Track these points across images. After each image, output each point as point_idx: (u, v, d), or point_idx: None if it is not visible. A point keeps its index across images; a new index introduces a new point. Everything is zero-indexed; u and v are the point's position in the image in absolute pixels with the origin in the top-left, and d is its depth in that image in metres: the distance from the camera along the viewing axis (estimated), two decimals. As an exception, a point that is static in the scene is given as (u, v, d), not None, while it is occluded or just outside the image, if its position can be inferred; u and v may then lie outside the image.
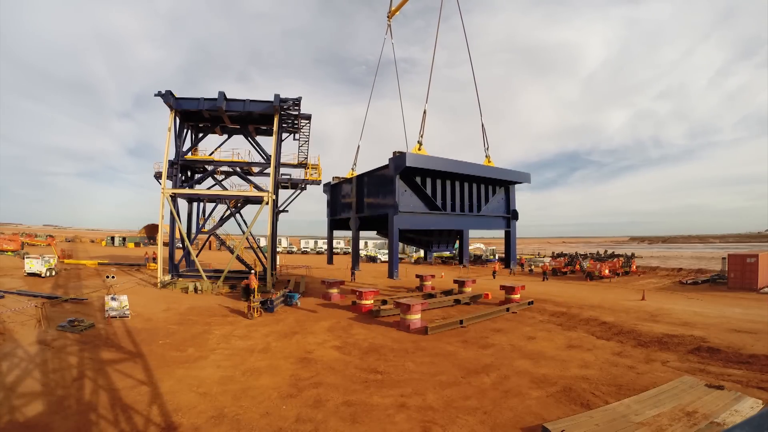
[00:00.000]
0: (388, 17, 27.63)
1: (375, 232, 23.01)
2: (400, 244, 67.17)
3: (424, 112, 17.42)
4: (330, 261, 23.87)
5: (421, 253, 63.69)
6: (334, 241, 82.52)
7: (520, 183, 19.43)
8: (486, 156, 18.41)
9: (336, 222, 22.28)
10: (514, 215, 19.10)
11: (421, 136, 16.73)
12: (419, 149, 16.67)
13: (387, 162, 16.29)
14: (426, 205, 16.21)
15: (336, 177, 23.70)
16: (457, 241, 22.25)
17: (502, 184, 18.95)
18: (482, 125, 18.70)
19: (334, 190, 22.47)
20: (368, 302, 22.74)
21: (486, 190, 18.27)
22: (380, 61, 27.41)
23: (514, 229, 19.06)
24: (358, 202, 18.87)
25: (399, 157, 14.98)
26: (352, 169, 23.23)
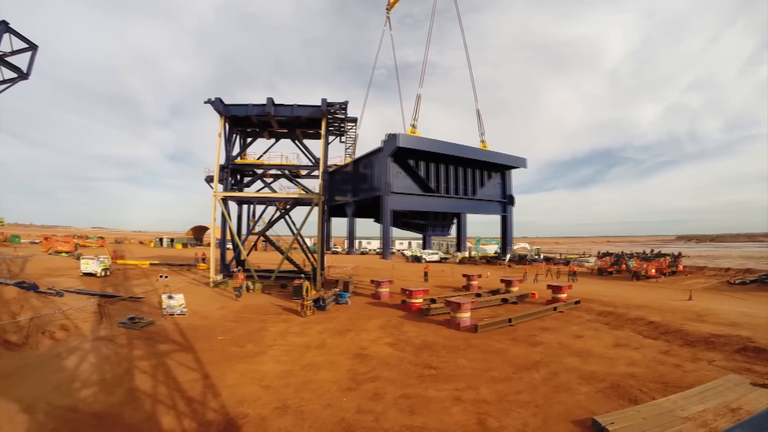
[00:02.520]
0: (387, 9, 27.88)
1: (372, 219, 23.21)
2: (444, 245, 66.98)
3: (418, 96, 17.66)
4: (328, 248, 24.21)
5: (467, 253, 63.75)
6: (369, 242, 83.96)
7: (516, 168, 19.25)
8: (481, 141, 18.44)
9: (333, 209, 22.50)
10: (511, 200, 18.93)
11: (415, 120, 16.95)
12: (413, 132, 16.89)
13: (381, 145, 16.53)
14: (419, 187, 16.21)
15: (333, 164, 23.90)
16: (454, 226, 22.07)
17: (498, 169, 18.74)
18: (477, 110, 18.82)
19: (332, 177, 22.71)
20: (418, 301, 23.25)
21: (481, 175, 18.12)
22: (379, 52, 27.50)
23: (511, 215, 18.88)
24: (354, 186, 18.90)
25: (391, 139, 15.14)
26: (351, 156, 23.31)
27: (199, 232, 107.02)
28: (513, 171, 19.52)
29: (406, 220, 19.04)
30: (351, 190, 19.12)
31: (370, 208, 20.60)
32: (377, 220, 22.49)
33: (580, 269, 45.29)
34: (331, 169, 22.87)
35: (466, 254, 63.51)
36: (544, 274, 43.00)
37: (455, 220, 20.06)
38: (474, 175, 17.84)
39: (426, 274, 38.39)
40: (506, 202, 18.76)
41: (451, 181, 17.16)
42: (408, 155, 15.85)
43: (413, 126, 16.71)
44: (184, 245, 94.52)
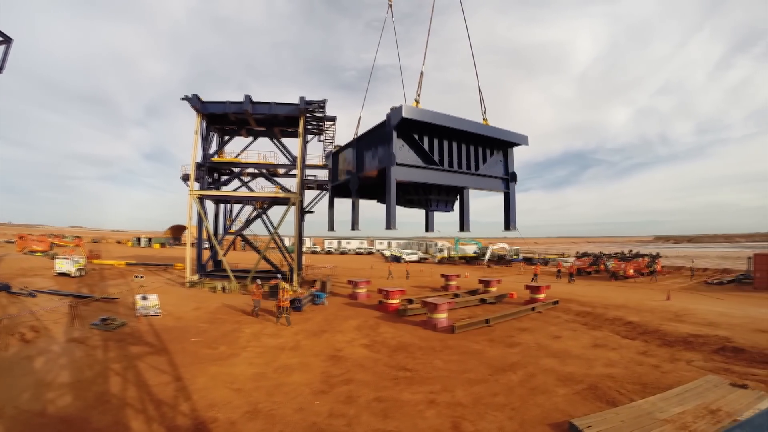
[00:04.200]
0: None
1: (375, 200, 22.83)
2: (423, 245, 67.23)
3: (421, 73, 17.57)
4: (331, 228, 23.97)
5: (445, 253, 63.89)
6: (349, 242, 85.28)
7: (518, 145, 19.19)
8: (484, 119, 18.40)
9: (337, 188, 22.20)
10: (513, 177, 18.89)
11: (418, 95, 16.88)
12: (417, 105, 16.81)
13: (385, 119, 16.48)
14: (423, 159, 16.15)
15: (337, 145, 23.70)
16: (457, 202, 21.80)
17: (500, 146, 18.67)
18: (479, 89, 18.78)
19: (335, 157, 22.47)
20: (395, 301, 23.15)
21: (484, 151, 18.08)
22: (380, 42, 27.08)
23: (513, 192, 18.89)
24: (358, 162, 18.77)
25: (396, 110, 15.08)
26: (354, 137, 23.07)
27: (177, 231, 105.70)
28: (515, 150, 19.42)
29: (409, 197, 18.78)
30: (355, 167, 18.82)
31: (374, 187, 20.32)
32: (381, 200, 22.20)
33: (560, 269, 45.49)
34: (334, 150, 22.52)
35: (446, 254, 63.81)
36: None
37: (458, 197, 19.78)
38: (477, 152, 17.71)
39: (390, 272, 40.34)
40: (508, 179, 18.59)
41: (454, 156, 16.98)
42: (412, 128, 15.68)
43: (416, 101, 16.52)
44: (162, 245, 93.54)
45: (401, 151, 15.58)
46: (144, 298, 20.67)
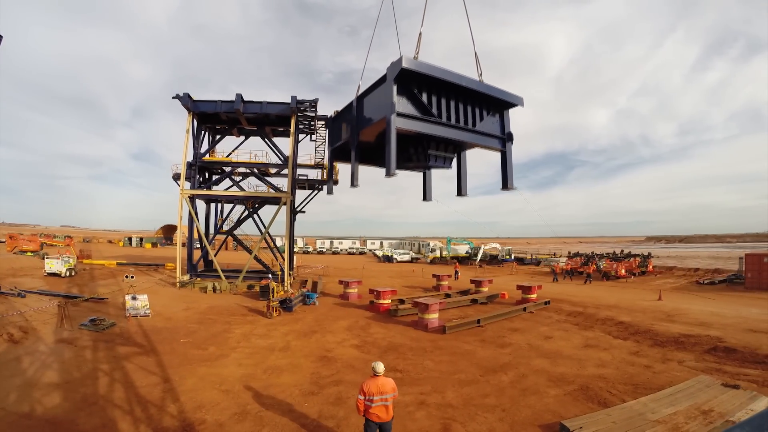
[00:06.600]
0: None
1: (375, 165, 22.79)
2: (415, 245, 67.28)
3: (420, 34, 17.69)
4: (330, 192, 23.87)
5: (437, 253, 63.89)
6: (341, 242, 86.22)
7: (515, 106, 19.33)
8: (480, 81, 18.56)
9: (336, 151, 22.19)
10: (509, 137, 19.00)
11: (417, 53, 17.01)
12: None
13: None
14: (421, 112, 16.38)
15: (335, 110, 23.76)
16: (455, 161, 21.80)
17: (497, 107, 18.81)
18: (475, 53, 18.89)
19: (335, 121, 22.48)
20: (386, 302, 23.02)
21: (480, 110, 18.25)
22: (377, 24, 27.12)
23: (510, 151, 19.06)
24: (357, 119, 18.88)
25: (395, 62, 15.23)
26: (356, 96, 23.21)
27: (169, 231, 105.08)
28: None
29: (407, 155, 18.84)
30: (354, 124, 18.86)
31: (372, 151, 20.31)
32: (380, 165, 22.21)
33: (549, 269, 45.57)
34: (332, 116, 22.51)
35: (438, 254, 63.80)
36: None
37: (456, 155, 19.81)
38: (474, 110, 17.82)
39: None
40: (505, 138, 18.68)
41: (452, 111, 17.08)
42: (411, 81, 15.74)
43: (415, 57, 16.62)
44: (154, 244, 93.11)
45: (400, 102, 15.68)
46: (134, 298, 20.48)
